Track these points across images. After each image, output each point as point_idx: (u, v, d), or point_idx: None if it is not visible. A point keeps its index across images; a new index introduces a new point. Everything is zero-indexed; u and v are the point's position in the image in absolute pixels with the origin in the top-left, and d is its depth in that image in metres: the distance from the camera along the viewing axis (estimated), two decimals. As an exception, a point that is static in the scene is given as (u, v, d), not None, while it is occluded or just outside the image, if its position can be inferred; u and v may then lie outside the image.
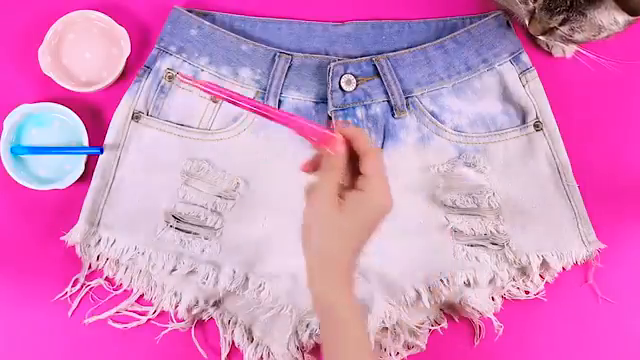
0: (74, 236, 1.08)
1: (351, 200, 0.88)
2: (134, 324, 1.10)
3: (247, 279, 1.06)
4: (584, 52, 1.08)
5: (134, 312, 1.10)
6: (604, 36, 1.03)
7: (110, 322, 1.10)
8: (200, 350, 1.09)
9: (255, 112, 0.90)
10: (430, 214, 1.10)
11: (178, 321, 1.09)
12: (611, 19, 0.98)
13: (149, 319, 1.10)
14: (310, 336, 1.04)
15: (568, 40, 1.03)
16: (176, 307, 1.08)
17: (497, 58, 1.12)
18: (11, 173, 1.08)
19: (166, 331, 1.10)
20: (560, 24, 1.01)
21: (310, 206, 0.90)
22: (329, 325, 0.89)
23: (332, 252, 0.88)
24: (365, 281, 1.07)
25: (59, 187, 1.09)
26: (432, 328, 1.09)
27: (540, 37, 1.05)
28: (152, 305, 1.10)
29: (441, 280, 1.07)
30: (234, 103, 0.91)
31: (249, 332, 1.09)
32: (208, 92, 0.90)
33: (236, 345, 1.09)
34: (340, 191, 0.89)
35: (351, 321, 0.88)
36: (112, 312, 1.10)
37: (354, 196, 0.88)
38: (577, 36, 1.02)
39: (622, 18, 0.98)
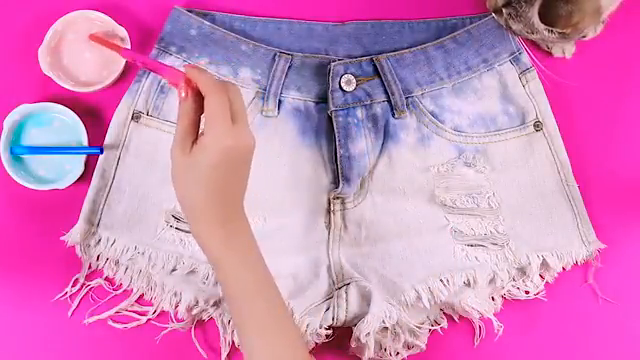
0: (74, 236, 1.08)
1: (196, 146, 0.88)
2: (134, 324, 1.10)
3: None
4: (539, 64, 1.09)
5: (134, 312, 1.10)
6: (538, 38, 1.02)
7: (110, 322, 1.10)
8: (200, 350, 1.09)
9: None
10: (430, 214, 1.10)
11: (178, 321, 1.09)
12: (537, 22, 0.98)
13: (149, 319, 1.10)
14: (310, 335, 1.04)
15: (508, 27, 1.03)
16: (176, 307, 1.08)
17: (497, 58, 1.12)
18: (11, 173, 1.08)
19: (166, 331, 1.09)
20: (503, 5, 1.01)
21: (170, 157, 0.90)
22: (218, 278, 0.92)
23: (193, 202, 0.88)
24: (365, 281, 1.07)
25: (59, 187, 1.09)
26: (432, 328, 1.09)
27: (493, 15, 1.04)
28: (152, 305, 1.10)
29: (441, 280, 1.07)
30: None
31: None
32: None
33: (236, 345, 1.09)
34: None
35: (234, 272, 0.90)
36: (112, 312, 1.10)
37: (199, 141, 0.88)
38: (513, 25, 1.01)
39: (541, 26, 0.98)
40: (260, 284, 0.93)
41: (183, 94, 0.90)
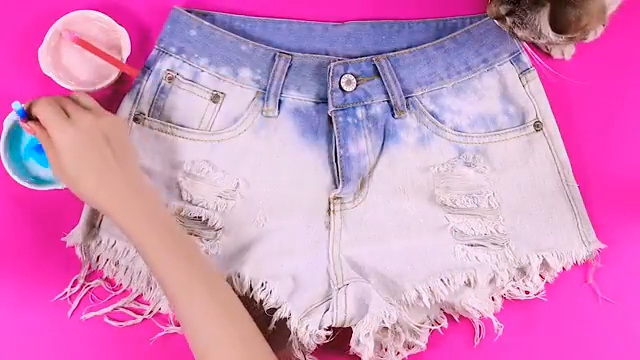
0: (74, 237, 1.08)
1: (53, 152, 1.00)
2: (130, 322, 1.09)
3: (249, 280, 1.06)
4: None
5: (131, 310, 1.10)
6: (544, 42, 1.03)
7: (106, 319, 1.09)
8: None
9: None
10: (430, 214, 1.10)
11: (177, 324, 1.09)
12: (546, 29, 0.98)
13: (145, 318, 1.09)
14: (310, 337, 1.04)
15: (512, 33, 1.03)
16: (176, 308, 1.08)
17: (497, 58, 1.12)
18: (11, 173, 1.08)
19: (162, 333, 1.09)
20: (507, 14, 1.01)
21: None
22: (137, 250, 0.99)
23: (86, 192, 0.99)
24: (365, 281, 1.07)
25: (59, 187, 1.09)
26: (432, 328, 1.09)
27: (495, 21, 1.05)
28: (149, 305, 1.09)
29: (441, 280, 1.07)
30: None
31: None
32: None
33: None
34: None
35: (146, 239, 0.98)
36: (110, 309, 1.09)
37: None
38: (518, 32, 1.02)
39: (550, 32, 0.98)
40: (171, 242, 0.98)
41: (28, 128, 1.02)
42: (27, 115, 1.02)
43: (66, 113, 1.00)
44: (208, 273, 0.99)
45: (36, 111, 1.00)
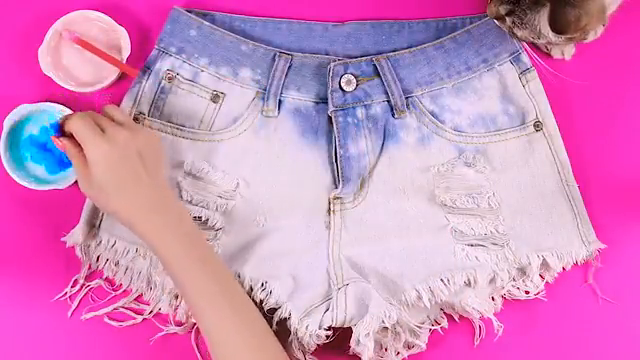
0: (74, 237, 1.08)
1: (87, 168, 1.00)
2: (130, 322, 1.09)
3: (249, 280, 1.06)
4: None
5: (131, 310, 1.10)
6: (544, 42, 1.03)
7: (106, 319, 1.09)
8: (199, 356, 1.09)
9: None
10: (430, 214, 1.10)
11: (177, 324, 1.09)
12: (546, 29, 0.99)
13: (145, 318, 1.09)
14: (310, 337, 1.04)
15: (512, 33, 1.03)
16: (175, 310, 1.08)
17: (497, 58, 1.12)
18: (11, 173, 1.08)
19: (162, 333, 1.09)
20: (507, 14, 1.01)
21: None
22: (161, 261, 1.00)
23: (119, 209, 0.99)
24: (365, 281, 1.07)
25: (59, 187, 1.09)
26: (432, 328, 1.09)
27: (495, 21, 1.05)
28: (149, 305, 1.09)
29: (441, 280, 1.07)
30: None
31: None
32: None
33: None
34: None
35: (172, 251, 0.98)
36: (110, 309, 1.10)
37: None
38: (518, 32, 1.02)
39: (550, 32, 0.98)
40: (201, 261, 0.99)
41: (60, 144, 1.02)
42: (60, 131, 1.02)
43: (101, 128, 1.00)
44: (232, 285, 1.00)
45: (70, 126, 1.00)
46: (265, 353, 0.98)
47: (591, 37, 1.12)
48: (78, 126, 0.99)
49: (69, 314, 1.10)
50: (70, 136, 1.01)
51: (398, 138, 1.11)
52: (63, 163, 1.09)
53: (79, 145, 1.00)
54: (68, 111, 1.08)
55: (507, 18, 1.01)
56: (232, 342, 0.97)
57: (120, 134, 0.99)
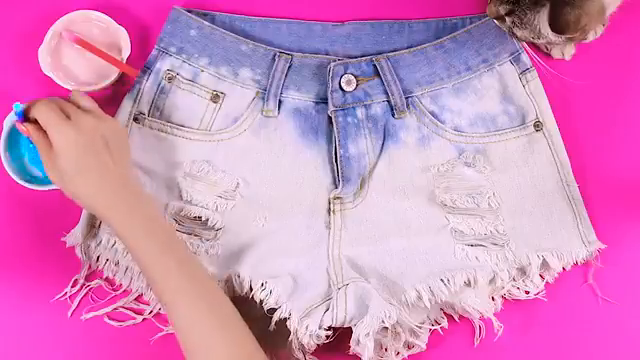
0: (75, 237, 1.08)
1: (53, 154, 0.99)
2: (130, 322, 1.09)
3: (249, 280, 1.06)
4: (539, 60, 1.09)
5: (131, 310, 1.10)
6: (544, 42, 1.03)
7: (106, 319, 1.09)
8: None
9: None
10: (430, 214, 1.10)
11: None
12: (546, 29, 0.99)
13: (145, 318, 1.09)
14: (310, 337, 1.04)
15: (512, 33, 1.03)
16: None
17: (497, 58, 1.12)
18: (11, 173, 1.08)
19: (162, 333, 1.09)
20: (507, 14, 1.01)
21: None
22: (128, 249, 1.00)
23: (83, 195, 0.99)
24: (365, 281, 1.07)
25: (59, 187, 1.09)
26: (432, 328, 1.09)
27: (495, 21, 1.05)
28: (149, 305, 1.09)
29: (441, 280, 1.07)
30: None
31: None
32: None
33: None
34: None
35: (141, 239, 0.98)
36: (110, 309, 1.10)
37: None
38: (517, 32, 1.02)
39: (550, 32, 0.98)
40: (165, 246, 0.98)
41: (24, 129, 1.01)
42: (25, 117, 1.02)
43: (66, 114, 1.00)
44: (203, 277, 0.99)
45: (35, 112, 1.00)
46: (242, 350, 0.97)
47: (591, 37, 1.12)
48: (42, 112, 0.99)
49: (69, 314, 1.10)
50: (35, 122, 1.01)
51: (398, 138, 1.11)
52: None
53: (42, 131, 1.00)
54: None
55: (507, 18, 1.01)
56: (204, 337, 0.96)
57: (86, 120, 0.99)
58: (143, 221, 0.99)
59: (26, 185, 1.08)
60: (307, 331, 1.04)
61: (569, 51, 1.14)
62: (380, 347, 1.08)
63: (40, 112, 1.00)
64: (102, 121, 1.01)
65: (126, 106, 1.10)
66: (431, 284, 1.06)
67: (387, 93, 1.10)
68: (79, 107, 1.02)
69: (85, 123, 0.99)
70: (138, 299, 1.10)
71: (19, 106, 1.01)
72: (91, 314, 1.10)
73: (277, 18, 1.13)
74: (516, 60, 1.12)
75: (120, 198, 0.99)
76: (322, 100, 1.11)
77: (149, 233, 0.98)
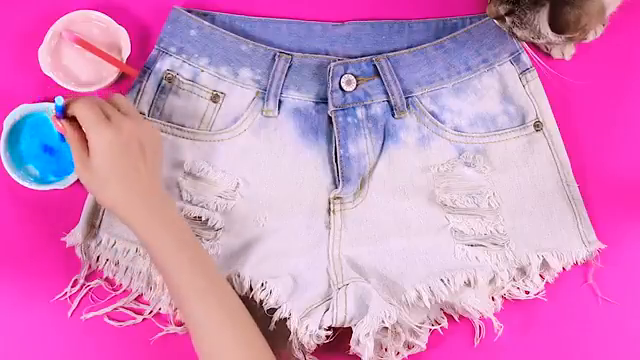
0: (75, 237, 1.08)
1: (89, 153, 0.99)
2: (130, 322, 1.09)
3: (249, 280, 1.06)
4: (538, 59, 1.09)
5: (131, 310, 1.10)
6: (544, 42, 1.03)
7: (106, 319, 1.09)
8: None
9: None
10: (430, 214, 1.10)
11: (177, 324, 1.09)
12: (545, 29, 0.99)
13: (145, 318, 1.09)
14: (310, 337, 1.04)
15: (512, 33, 1.03)
16: (175, 310, 1.08)
17: (497, 58, 1.12)
18: (11, 173, 1.08)
19: (162, 333, 1.09)
20: (506, 14, 1.01)
21: None
22: (151, 256, 1.00)
23: (111, 198, 0.99)
24: (365, 281, 1.07)
25: (59, 187, 1.09)
26: (432, 328, 1.09)
27: (495, 21, 1.05)
28: (149, 305, 1.09)
29: (441, 280, 1.07)
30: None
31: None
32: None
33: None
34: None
35: (166, 247, 0.98)
36: (110, 309, 1.10)
37: (89, 148, 0.99)
38: (517, 31, 1.02)
39: (550, 32, 0.99)
40: (189, 252, 0.98)
41: (60, 126, 1.00)
42: (63, 113, 1.00)
43: (105, 115, 0.99)
44: (219, 282, 1.00)
45: (75, 109, 0.99)
46: (252, 349, 0.98)
47: (591, 37, 1.12)
48: (83, 110, 0.98)
49: (69, 314, 1.10)
50: (71, 120, 1.00)
51: (398, 138, 1.11)
52: (61, 164, 1.09)
53: (79, 129, 0.99)
54: None
55: (507, 18, 1.01)
56: (219, 337, 0.97)
57: (125, 123, 0.99)
58: (164, 224, 0.99)
59: (26, 185, 1.08)
60: (307, 331, 1.04)
61: (569, 51, 1.14)
62: (380, 347, 1.08)
63: (81, 110, 0.98)
64: (141, 125, 1.01)
65: (126, 106, 1.10)
66: (431, 284, 1.06)
67: (387, 93, 1.10)
68: (119, 109, 1.01)
69: (125, 126, 0.98)
70: (138, 299, 1.10)
71: (61, 100, 0.99)
72: (91, 314, 1.10)
73: (277, 18, 1.13)
74: (516, 60, 1.12)
75: (145, 203, 0.99)
76: (322, 100, 1.11)
77: (174, 241, 0.98)
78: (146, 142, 1.00)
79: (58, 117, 1.00)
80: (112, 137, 0.97)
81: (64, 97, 0.99)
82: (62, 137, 1.02)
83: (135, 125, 1.00)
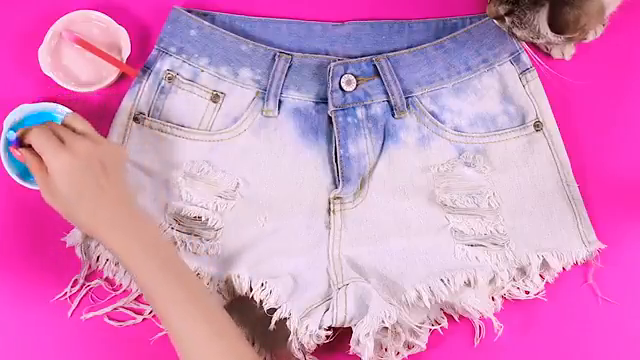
0: (74, 237, 1.08)
1: (49, 178, 0.99)
2: (130, 322, 1.09)
3: (249, 280, 1.06)
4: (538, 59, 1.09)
5: (131, 310, 1.10)
6: (544, 42, 1.03)
7: (106, 319, 1.09)
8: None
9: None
10: (430, 214, 1.10)
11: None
12: (545, 29, 0.99)
13: (145, 318, 1.09)
14: (310, 337, 1.04)
15: (511, 33, 1.03)
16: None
17: (497, 58, 1.12)
18: (11, 173, 1.08)
19: (162, 333, 1.09)
20: (506, 14, 1.01)
21: None
22: (129, 271, 0.99)
23: (79, 220, 0.99)
24: (365, 281, 1.07)
25: (59, 187, 1.09)
26: (432, 328, 1.09)
27: (495, 21, 1.05)
28: (149, 305, 1.09)
29: (441, 280, 1.07)
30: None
31: (251, 337, 1.08)
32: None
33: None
34: None
35: (140, 263, 0.98)
36: (110, 309, 1.10)
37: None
38: (517, 31, 1.02)
39: (549, 32, 0.99)
40: (166, 268, 0.98)
41: (18, 155, 1.02)
42: (20, 142, 1.02)
43: (60, 139, 0.99)
44: (201, 293, 1.00)
45: (29, 138, 1.00)
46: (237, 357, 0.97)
47: (591, 37, 1.12)
48: (36, 137, 0.99)
49: (69, 314, 1.10)
50: (30, 147, 1.01)
51: (398, 138, 1.11)
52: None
53: (37, 155, 1.00)
54: (68, 111, 1.08)
55: (506, 18, 1.01)
56: (203, 351, 0.96)
57: (81, 144, 0.99)
58: (140, 241, 0.99)
59: (26, 185, 1.08)
60: (307, 331, 1.04)
61: (569, 51, 1.14)
62: (380, 347, 1.08)
63: (35, 137, 0.99)
64: (98, 144, 1.01)
65: (126, 106, 1.10)
66: (431, 284, 1.06)
67: (387, 93, 1.10)
68: (74, 131, 1.02)
69: (80, 147, 0.99)
70: (138, 299, 1.10)
71: (12, 134, 1.02)
72: (91, 314, 1.10)
73: (277, 18, 1.13)
74: (516, 60, 1.12)
75: (118, 224, 0.99)
76: (322, 100, 1.11)
77: (147, 253, 0.98)
78: (106, 159, 1.00)
79: (16, 147, 1.02)
80: (68, 158, 0.97)
81: (15, 131, 1.02)
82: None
83: (91, 145, 1.00)
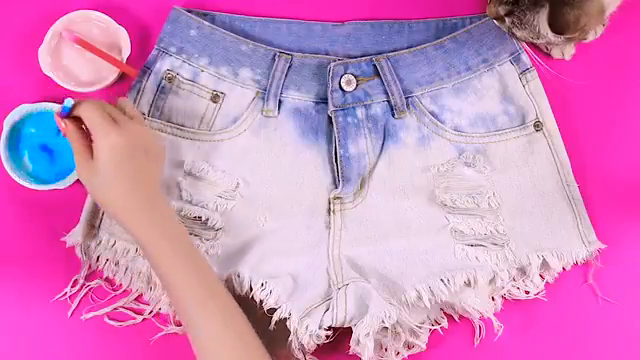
0: (75, 237, 1.08)
1: (93, 155, 0.99)
2: (130, 322, 1.09)
3: (249, 280, 1.06)
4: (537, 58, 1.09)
5: (131, 310, 1.10)
6: (544, 42, 1.03)
7: (106, 319, 1.09)
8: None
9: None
10: (430, 214, 1.10)
11: (177, 324, 1.09)
12: (545, 29, 0.99)
13: (145, 318, 1.10)
14: (310, 337, 1.04)
15: (511, 34, 1.03)
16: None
17: (497, 58, 1.12)
18: (11, 173, 1.08)
19: (162, 333, 1.09)
20: (506, 14, 1.01)
21: None
22: (150, 261, 1.00)
23: (111, 200, 0.99)
24: (365, 281, 1.07)
25: (59, 187, 1.09)
26: (432, 328, 1.09)
27: (495, 21, 1.05)
28: (149, 305, 1.09)
29: (441, 280, 1.07)
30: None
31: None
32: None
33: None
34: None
35: (164, 253, 0.98)
36: (110, 309, 1.10)
37: (93, 150, 0.99)
38: (517, 32, 1.02)
39: (549, 32, 0.99)
40: (187, 259, 0.98)
41: (63, 126, 1.00)
42: (68, 113, 1.00)
43: (112, 118, 0.99)
44: (219, 287, 1.00)
45: (82, 111, 0.99)
46: (248, 354, 0.98)
47: (591, 37, 1.12)
48: (90, 112, 0.98)
49: (69, 314, 1.10)
50: (75, 120, 1.00)
51: (398, 138, 1.11)
52: (60, 165, 1.09)
53: (81, 130, 0.99)
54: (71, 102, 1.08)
55: (506, 18, 1.01)
56: (218, 343, 0.97)
57: (132, 127, 0.99)
58: (165, 230, 0.99)
59: (26, 185, 1.08)
60: (307, 331, 1.04)
61: (569, 51, 1.14)
62: (380, 347, 1.08)
63: (87, 111, 0.98)
64: (146, 130, 1.01)
65: (126, 106, 1.10)
66: (431, 284, 1.06)
67: (387, 93, 1.10)
68: (124, 113, 1.01)
69: (131, 129, 0.98)
70: (138, 299, 1.10)
71: (71, 102, 0.99)
72: (91, 314, 1.10)
73: (277, 18, 1.13)
74: (516, 60, 1.12)
75: (144, 207, 0.99)
76: (322, 100, 1.11)
77: (171, 242, 0.98)
78: (150, 147, 1.00)
79: (62, 116, 1.00)
80: (119, 139, 0.97)
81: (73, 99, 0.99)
82: (58, 131, 1.02)
83: (140, 129, 1.00)
